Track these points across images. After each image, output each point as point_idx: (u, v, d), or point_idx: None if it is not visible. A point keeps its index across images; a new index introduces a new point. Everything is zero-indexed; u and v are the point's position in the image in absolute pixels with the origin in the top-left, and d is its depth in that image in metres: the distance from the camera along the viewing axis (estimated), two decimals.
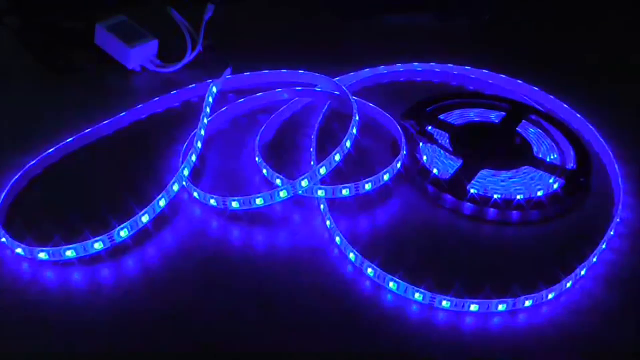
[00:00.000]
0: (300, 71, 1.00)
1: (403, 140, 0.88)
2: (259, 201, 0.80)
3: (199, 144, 0.87)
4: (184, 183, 0.83)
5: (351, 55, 1.07)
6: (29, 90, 0.99)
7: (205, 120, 0.90)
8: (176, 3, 1.02)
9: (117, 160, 0.88)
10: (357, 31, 1.15)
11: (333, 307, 0.73)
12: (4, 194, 0.81)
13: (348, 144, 0.85)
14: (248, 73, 1.00)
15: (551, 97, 1.00)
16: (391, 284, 0.74)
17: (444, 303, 0.72)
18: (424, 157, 0.89)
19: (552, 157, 0.90)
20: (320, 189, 0.81)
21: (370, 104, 0.94)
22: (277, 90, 0.98)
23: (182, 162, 0.84)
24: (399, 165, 0.85)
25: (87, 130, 0.89)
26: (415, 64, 1.05)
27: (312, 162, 0.87)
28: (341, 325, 0.71)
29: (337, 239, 0.78)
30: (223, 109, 0.95)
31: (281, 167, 0.85)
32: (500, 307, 0.73)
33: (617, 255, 0.79)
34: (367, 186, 0.82)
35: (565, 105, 0.98)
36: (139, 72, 1.02)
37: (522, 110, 0.97)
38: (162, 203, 0.79)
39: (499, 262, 0.78)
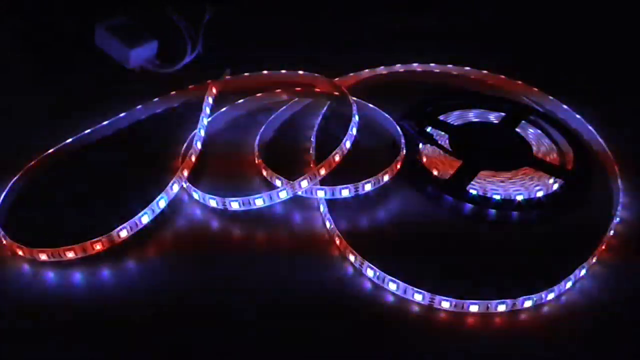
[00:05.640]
0: (300, 71, 1.00)
1: (403, 140, 0.88)
2: (258, 202, 0.80)
3: (199, 145, 0.87)
4: (183, 184, 0.83)
5: (351, 55, 1.07)
6: (29, 90, 0.99)
7: (205, 121, 0.90)
8: (176, 3, 1.02)
9: (117, 160, 0.88)
10: (357, 31, 1.15)
11: (333, 307, 0.73)
12: (4, 194, 0.81)
13: (348, 144, 0.85)
14: (248, 73, 1.00)
15: (550, 97, 1.00)
16: (391, 285, 0.74)
17: (444, 303, 0.73)
18: (424, 158, 0.89)
19: (551, 157, 0.90)
20: (319, 189, 0.81)
21: (370, 105, 0.94)
22: (276, 90, 0.98)
23: (182, 163, 0.84)
24: (398, 165, 0.85)
25: (87, 131, 0.90)
26: (415, 64, 1.05)
27: (311, 163, 0.87)
28: (341, 325, 0.71)
29: (337, 239, 0.78)
30: (223, 109, 0.95)
31: (281, 167, 0.85)
32: (500, 308, 0.73)
33: (617, 256, 0.80)
34: (367, 186, 0.82)
35: (564, 106, 0.99)
36: (138, 73, 1.02)
37: (521, 111, 0.97)
38: (162, 203, 0.79)
39: (499, 262, 0.78)
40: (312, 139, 0.91)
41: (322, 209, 0.82)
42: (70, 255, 0.75)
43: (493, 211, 0.82)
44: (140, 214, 0.77)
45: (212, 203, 0.81)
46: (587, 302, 0.75)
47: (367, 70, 1.03)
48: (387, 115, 0.92)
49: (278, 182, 0.83)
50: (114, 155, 0.89)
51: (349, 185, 0.81)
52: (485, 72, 1.04)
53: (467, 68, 1.04)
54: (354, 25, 1.17)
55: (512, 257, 0.79)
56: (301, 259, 0.77)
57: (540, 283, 0.74)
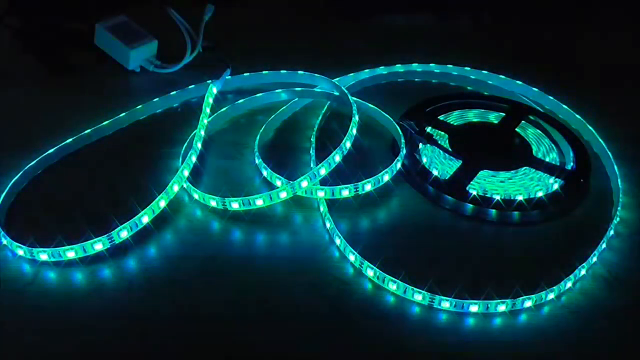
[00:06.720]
0: (299, 72, 1.00)
1: (403, 140, 0.88)
2: (259, 202, 0.80)
3: (199, 145, 0.87)
4: (184, 184, 0.83)
5: (351, 55, 1.07)
6: (29, 90, 0.99)
7: (205, 121, 0.90)
8: (176, 3, 1.02)
9: (117, 160, 0.88)
10: (357, 31, 1.15)
11: (333, 307, 0.73)
12: (4, 194, 0.81)
13: (348, 144, 0.85)
14: (248, 73, 1.00)
15: (550, 97, 1.00)
16: (391, 285, 0.74)
17: (444, 303, 0.73)
18: (424, 158, 0.89)
19: (551, 157, 0.90)
20: (320, 189, 0.81)
21: (370, 105, 0.94)
22: (276, 90, 0.98)
23: (182, 163, 0.84)
24: (399, 165, 0.85)
25: (87, 131, 0.90)
26: (415, 64, 1.05)
27: (311, 163, 0.87)
28: (341, 325, 0.71)
29: (337, 239, 0.78)
30: (223, 109, 0.95)
31: (281, 167, 0.85)
32: (501, 308, 0.73)
33: (617, 255, 0.80)
34: (367, 186, 0.82)
35: (564, 106, 0.99)
36: (138, 73, 1.02)
37: (521, 111, 0.97)
38: (162, 204, 0.79)
39: (499, 262, 0.78)
40: (312, 139, 0.91)
41: (322, 209, 0.82)
42: (70, 255, 0.75)
43: (493, 211, 0.82)
44: (140, 214, 0.77)
45: (212, 203, 0.81)
46: (587, 302, 0.75)
47: (367, 70, 1.03)
48: (387, 115, 0.92)
49: (278, 182, 0.83)
50: (114, 155, 0.89)
51: (349, 185, 0.81)
52: (485, 72, 1.04)
53: (467, 68, 1.04)
54: (354, 25, 1.17)
55: (512, 257, 0.79)
56: (301, 259, 0.77)
57: (540, 283, 0.74)
